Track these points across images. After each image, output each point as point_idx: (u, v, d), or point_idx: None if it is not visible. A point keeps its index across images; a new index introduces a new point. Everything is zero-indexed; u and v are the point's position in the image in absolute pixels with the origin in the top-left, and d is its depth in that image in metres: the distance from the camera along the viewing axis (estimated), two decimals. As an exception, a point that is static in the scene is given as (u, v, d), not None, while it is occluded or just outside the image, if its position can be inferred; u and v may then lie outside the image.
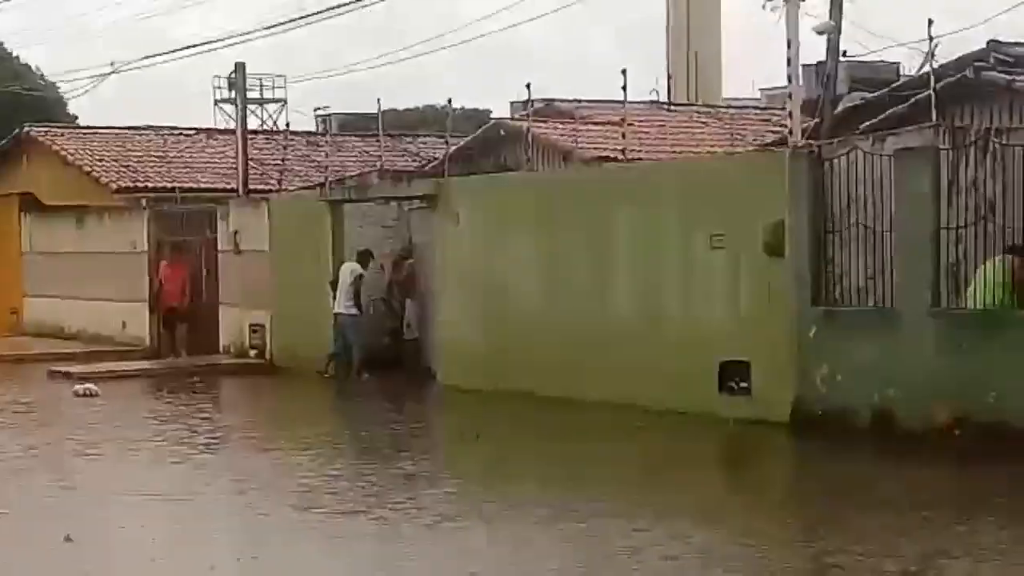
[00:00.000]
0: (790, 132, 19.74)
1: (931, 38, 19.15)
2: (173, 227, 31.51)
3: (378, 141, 33.12)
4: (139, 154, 40.41)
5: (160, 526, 13.50)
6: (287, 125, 43.87)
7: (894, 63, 32.52)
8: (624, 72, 23.29)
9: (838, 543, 12.14)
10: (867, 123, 22.02)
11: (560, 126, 32.66)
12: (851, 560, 11.46)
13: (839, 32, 21.73)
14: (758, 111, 41.35)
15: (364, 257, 26.12)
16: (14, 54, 67.61)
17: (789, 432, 18.06)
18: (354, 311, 25.69)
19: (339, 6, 31.67)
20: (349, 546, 12.52)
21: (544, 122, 31.85)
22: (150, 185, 38.11)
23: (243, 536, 13.43)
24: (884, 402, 17.26)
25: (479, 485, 15.53)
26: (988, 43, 21.13)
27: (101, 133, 42.57)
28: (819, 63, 25.09)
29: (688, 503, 14.24)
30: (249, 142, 34.86)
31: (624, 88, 23.52)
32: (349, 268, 25.93)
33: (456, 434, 20.46)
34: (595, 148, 30.69)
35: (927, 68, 20.40)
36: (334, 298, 25.83)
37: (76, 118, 57.91)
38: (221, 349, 29.29)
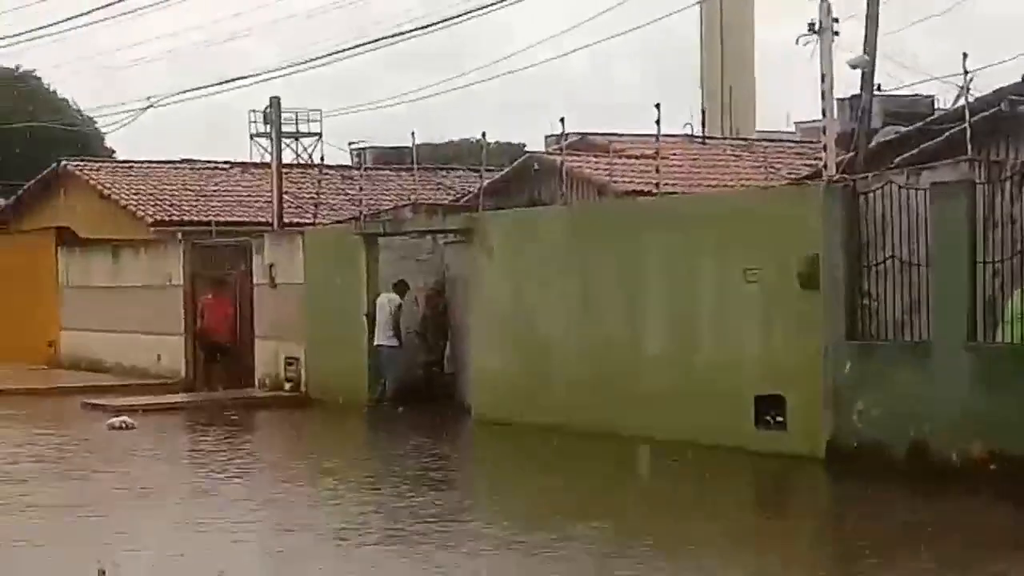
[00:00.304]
0: (825, 166, 19.72)
1: (966, 72, 19.15)
2: (208, 261, 31.62)
3: (412, 175, 33.27)
4: (175, 188, 40.69)
5: (196, 557, 13.51)
6: (322, 159, 44.02)
7: (928, 96, 32.54)
8: (658, 106, 23.39)
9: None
10: (902, 156, 22.02)
11: (594, 159, 32.71)
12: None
13: (873, 66, 21.73)
14: (792, 144, 41.33)
15: (400, 288, 26.30)
16: (51, 88, 68.06)
17: (825, 467, 17.98)
18: (395, 342, 25.86)
19: (372, 41, 31.89)
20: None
21: (578, 155, 31.92)
22: (186, 219, 38.35)
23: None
24: (919, 436, 17.17)
25: (522, 519, 15.47)
26: (1023, 76, 21.11)
27: (137, 167, 42.88)
28: (853, 96, 25.10)
29: (735, 535, 14.22)
30: (284, 176, 35.01)
31: (658, 122, 23.58)
32: (387, 299, 26.09)
33: (492, 467, 20.48)
34: (629, 181, 30.75)
35: (962, 102, 20.39)
36: (371, 331, 25.94)
37: (113, 152, 58.27)
38: (256, 382, 29.33)
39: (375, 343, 26.09)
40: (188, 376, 31.11)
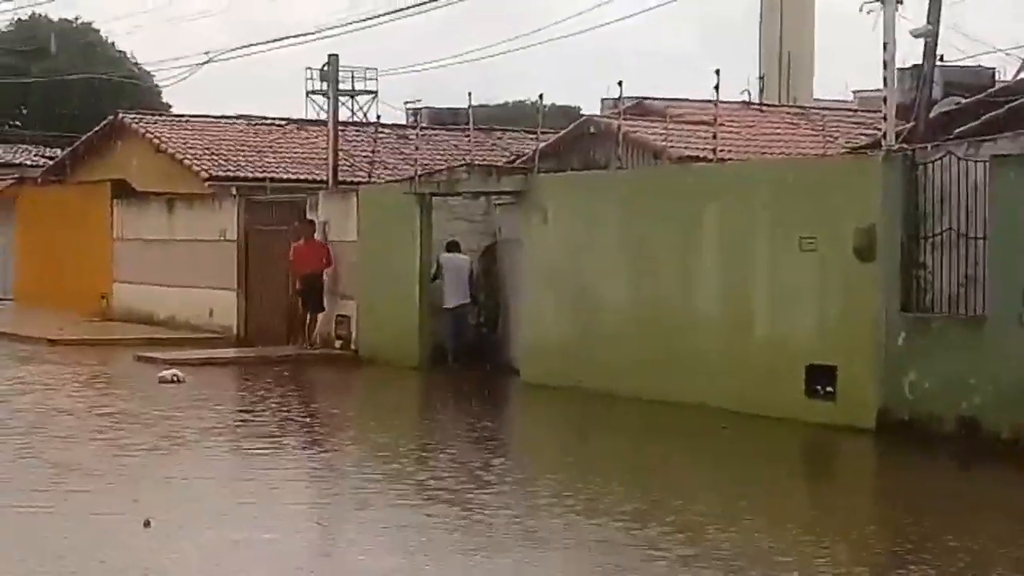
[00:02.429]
0: (884, 135, 19.54)
1: (1030, 44, 18.92)
2: (263, 216, 31.67)
3: (467, 135, 33.15)
4: (230, 143, 40.78)
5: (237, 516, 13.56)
6: (378, 117, 44.02)
7: (990, 68, 32.23)
8: (717, 72, 23.27)
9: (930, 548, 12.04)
10: (962, 128, 21.81)
11: (651, 124, 32.57)
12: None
13: (936, 36, 21.51)
14: (850, 113, 41.06)
15: (453, 248, 26.44)
16: (109, 41, 68.32)
17: (874, 438, 17.89)
18: (468, 301, 26.36)
19: (429, 0, 31.73)
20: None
21: (635, 120, 31.78)
22: (240, 174, 38.42)
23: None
24: (971, 410, 17.06)
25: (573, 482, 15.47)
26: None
27: (193, 121, 42.97)
28: (914, 66, 24.89)
29: (773, 504, 14.20)
30: (340, 134, 35.00)
31: (717, 88, 23.47)
32: (460, 259, 26.51)
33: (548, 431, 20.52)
34: (685, 147, 30.60)
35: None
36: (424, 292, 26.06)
37: (170, 106, 58.47)
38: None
39: (446, 305, 26.25)
40: (240, 331, 31.20)
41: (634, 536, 12.52)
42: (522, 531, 12.75)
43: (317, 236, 28.99)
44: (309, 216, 29.29)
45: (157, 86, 58.69)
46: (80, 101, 56.36)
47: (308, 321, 28.60)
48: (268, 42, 52.24)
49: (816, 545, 12.35)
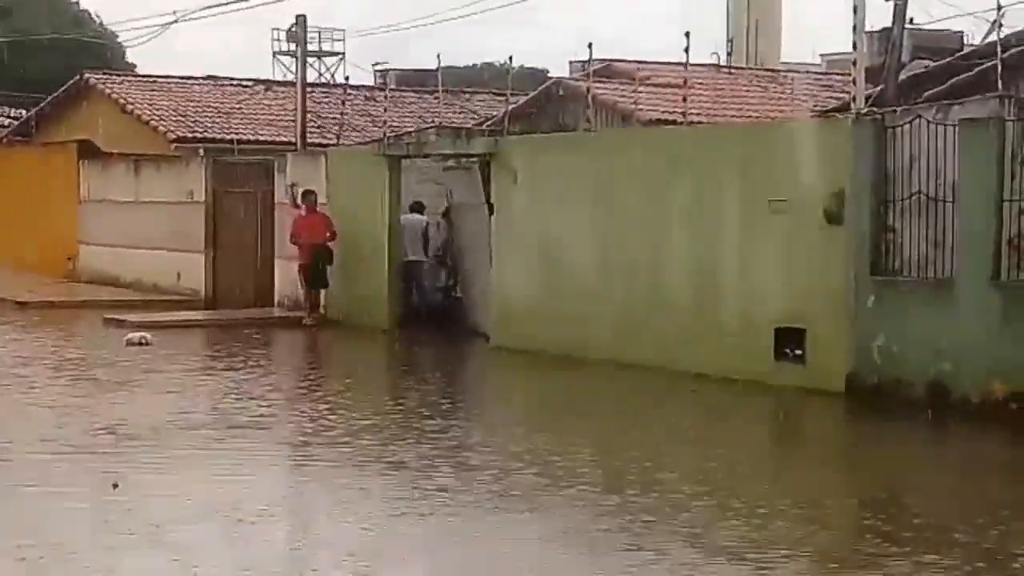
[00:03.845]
0: (853, 99, 19.57)
1: (999, 6, 18.97)
2: (231, 178, 31.53)
3: (436, 98, 33.13)
4: (197, 104, 40.63)
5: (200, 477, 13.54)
6: (346, 79, 43.87)
7: (958, 32, 32.35)
8: (687, 35, 23.25)
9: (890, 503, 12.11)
10: (930, 92, 21.86)
11: (619, 87, 32.54)
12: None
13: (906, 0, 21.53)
14: (818, 76, 41.11)
15: (417, 209, 26.61)
16: (74, 0, 67.83)
17: (843, 402, 17.96)
18: (424, 257, 26.64)
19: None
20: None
21: (604, 82, 31.75)
22: (208, 136, 38.28)
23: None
24: (939, 374, 17.12)
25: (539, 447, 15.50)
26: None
27: (160, 82, 42.78)
28: (883, 30, 24.93)
29: (738, 464, 14.27)
30: (308, 95, 34.86)
31: (687, 51, 23.45)
32: (416, 219, 26.68)
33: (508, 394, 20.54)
34: (653, 109, 30.60)
35: (993, 37, 20.21)
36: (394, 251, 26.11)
37: (135, 66, 58.13)
38: (275, 303, 29.32)
39: (404, 258, 26.42)
40: (208, 294, 31.11)
41: (601, 498, 12.56)
42: (494, 494, 12.76)
43: (285, 199, 28.89)
44: (290, 180, 28.90)
45: (123, 46, 58.41)
46: (45, 61, 55.94)
47: (312, 296, 27.35)
48: (235, 1, 51.90)
49: (774, 506, 12.41)
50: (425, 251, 26.87)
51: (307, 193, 27.45)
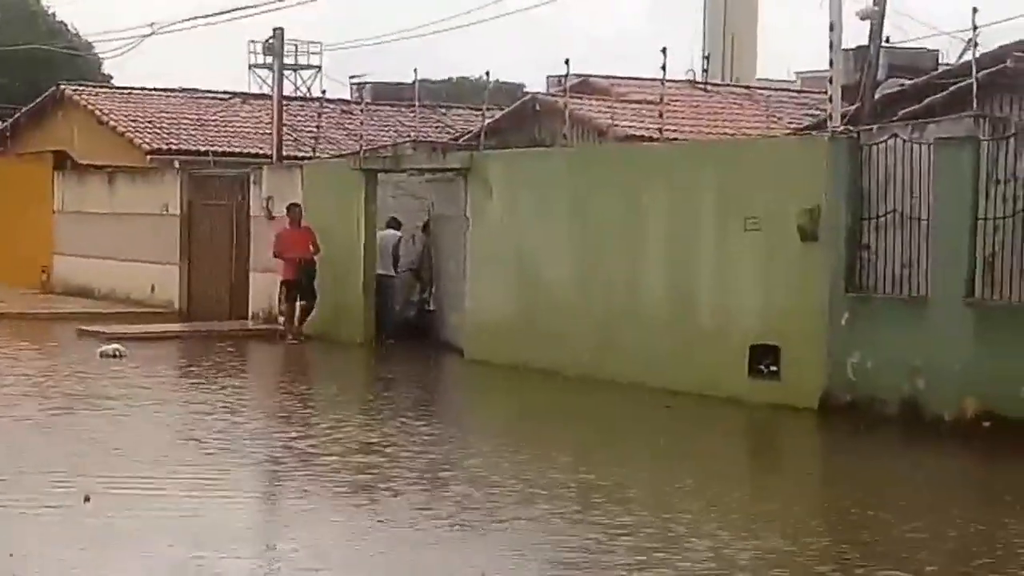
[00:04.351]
0: (829, 116, 19.64)
1: (975, 27, 19.05)
2: (206, 190, 31.50)
3: (412, 112, 33.11)
4: (173, 116, 40.57)
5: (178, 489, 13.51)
6: (323, 92, 43.85)
7: (933, 51, 32.44)
8: (664, 51, 23.27)
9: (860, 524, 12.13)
10: (906, 110, 21.93)
11: (596, 102, 32.58)
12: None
13: (883, 18, 21.59)
14: (794, 94, 41.21)
15: (393, 225, 26.65)
16: (50, 11, 67.62)
17: (817, 419, 18.00)
18: (391, 272, 26.46)
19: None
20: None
21: (580, 97, 31.78)
22: (183, 147, 38.24)
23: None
24: (914, 392, 17.18)
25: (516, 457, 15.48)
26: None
27: (136, 94, 42.72)
28: (858, 47, 24.99)
29: (709, 481, 14.28)
30: (284, 108, 34.84)
31: (664, 67, 23.48)
32: (389, 234, 26.62)
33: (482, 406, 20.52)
34: (630, 125, 30.63)
35: (968, 56, 20.30)
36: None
37: (111, 78, 58.01)
38: (250, 315, 29.27)
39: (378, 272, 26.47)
40: (182, 306, 31.04)
41: (574, 516, 12.55)
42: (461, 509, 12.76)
43: (260, 212, 28.86)
44: (266, 193, 28.83)
45: (99, 57, 58.27)
46: (20, 72, 55.78)
47: (296, 312, 26.60)
48: (212, 15, 51.82)
49: (741, 522, 12.44)
50: (394, 266, 26.76)
51: (292, 207, 26.99)
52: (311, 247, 26.55)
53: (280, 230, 27.19)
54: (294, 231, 26.81)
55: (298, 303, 26.66)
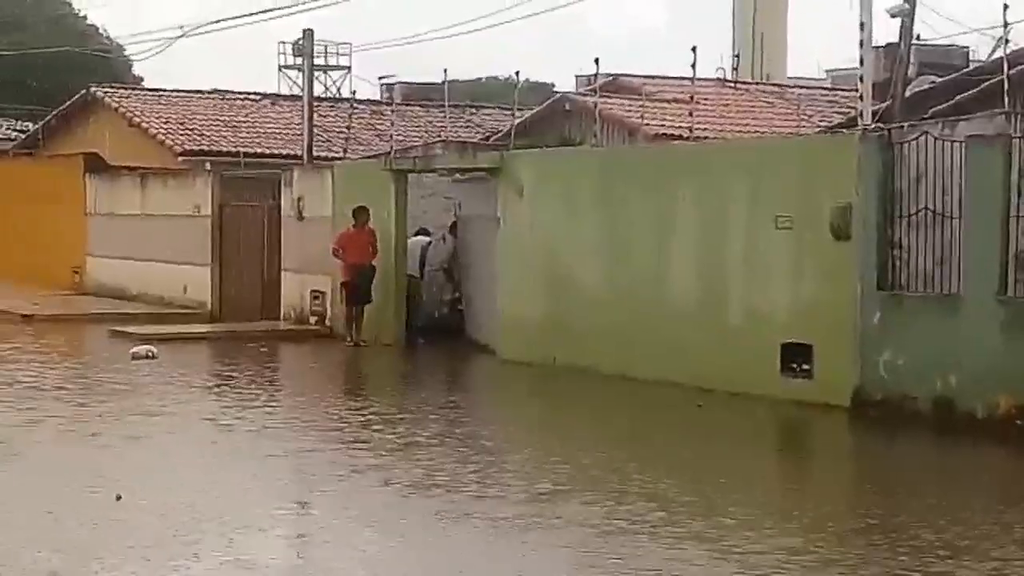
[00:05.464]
0: (860, 114, 19.60)
1: (1006, 23, 19.01)
2: (237, 192, 31.60)
3: (442, 112, 33.16)
4: (204, 118, 40.69)
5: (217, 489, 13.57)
6: (353, 93, 43.96)
7: (964, 48, 32.40)
8: (694, 50, 23.23)
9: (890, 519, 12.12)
10: (936, 108, 21.90)
11: (626, 102, 32.60)
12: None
13: (913, 15, 21.57)
14: (824, 92, 41.16)
15: (421, 232, 26.97)
16: (81, 14, 67.96)
17: (849, 416, 17.98)
18: (416, 274, 26.66)
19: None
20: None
21: (610, 97, 31.81)
22: (214, 149, 38.35)
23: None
24: (945, 389, 17.14)
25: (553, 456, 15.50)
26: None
27: (166, 95, 42.84)
28: (888, 45, 24.97)
29: (740, 477, 14.28)
30: (314, 109, 34.93)
31: (693, 66, 23.44)
32: (414, 240, 26.95)
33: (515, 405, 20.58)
34: (661, 125, 30.65)
35: (999, 53, 20.26)
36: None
37: (142, 80, 58.22)
38: (281, 315, 29.33)
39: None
40: (214, 307, 31.15)
41: (608, 511, 12.58)
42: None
43: (290, 213, 28.94)
44: (297, 194, 28.81)
45: (128, 60, 58.50)
46: (50, 75, 56.02)
47: (355, 315, 26.33)
48: (241, 16, 52.06)
49: (781, 519, 12.45)
50: (422, 270, 26.92)
51: (360, 210, 26.23)
52: (371, 249, 26.15)
53: (344, 232, 26.68)
54: (358, 233, 26.25)
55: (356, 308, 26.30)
